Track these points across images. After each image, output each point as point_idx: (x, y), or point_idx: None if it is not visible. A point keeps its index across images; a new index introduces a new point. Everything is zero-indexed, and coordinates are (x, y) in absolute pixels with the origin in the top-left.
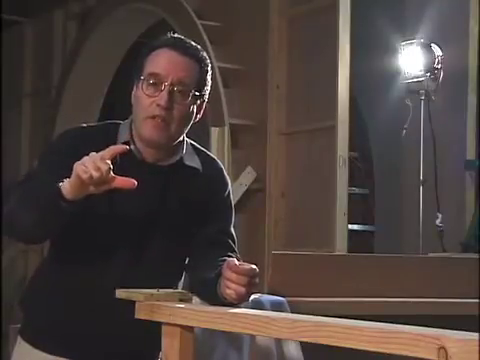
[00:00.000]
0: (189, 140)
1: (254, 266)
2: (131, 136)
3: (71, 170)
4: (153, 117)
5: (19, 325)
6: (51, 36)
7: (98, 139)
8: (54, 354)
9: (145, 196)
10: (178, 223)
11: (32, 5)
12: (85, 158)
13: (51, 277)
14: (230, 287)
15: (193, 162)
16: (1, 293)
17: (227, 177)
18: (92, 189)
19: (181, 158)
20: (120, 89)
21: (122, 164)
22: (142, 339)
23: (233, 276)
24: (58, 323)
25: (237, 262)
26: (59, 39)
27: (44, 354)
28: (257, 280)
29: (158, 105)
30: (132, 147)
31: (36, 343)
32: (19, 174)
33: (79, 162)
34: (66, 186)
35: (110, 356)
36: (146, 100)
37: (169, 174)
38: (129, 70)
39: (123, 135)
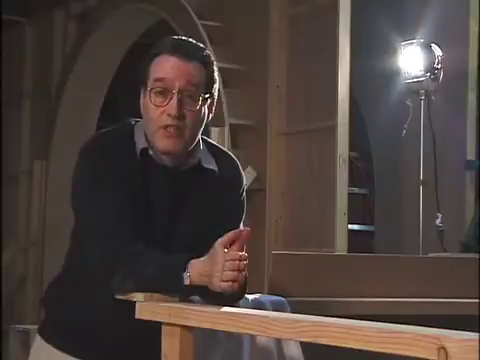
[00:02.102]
0: (203, 137)
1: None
2: (148, 142)
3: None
4: (165, 127)
5: (25, 325)
6: (51, 36)
7: (118, 146)
8: (73, 355)
9: (167, 200)
10: (197, 226)
11: (32, 5)
12: (219, 265)
13: (72, 278)
14: (220, 275)
15: (210, 164)
16: (1, 293)
17: (242, 174)
18: None
19: (199, 161)
20: (120, 89)
21: (144, 169)
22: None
23: (229, 262)
24: (80, 324)
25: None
26: (59, 39)
27: (64, 354)
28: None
29: (169, 115)
30: (151, 152)
31: (55, 343)
32: (19, 174)
33: (217, 274)
34: (193, 279)
35: (129, 357)
36: (155, 110)
37: (188, 177)
38: (130, 70)
39: (140, 142)
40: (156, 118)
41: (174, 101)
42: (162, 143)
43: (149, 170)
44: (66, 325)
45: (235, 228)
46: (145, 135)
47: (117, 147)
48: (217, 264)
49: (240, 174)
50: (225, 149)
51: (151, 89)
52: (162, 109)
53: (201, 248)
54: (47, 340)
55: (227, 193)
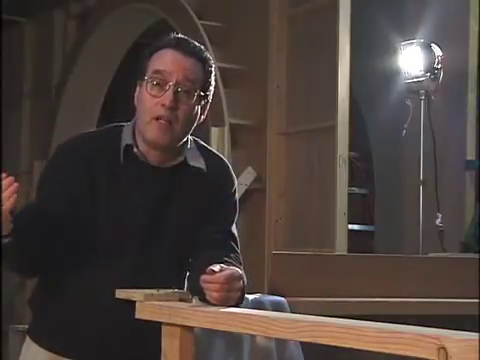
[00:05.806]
0: (194, 138)
1: (230, 272)
2: (134, 139)
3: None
4: (157, 118)
5: (25, 325)
6: (51, 36)
7: (102, 144)
8: (60, 354)
9: (149, 198)
10: (182, 224)
11: (32, 5)
12: None
13: (57, 278)
14: (207, 293)
15: (197, 162)
16: (1, 293)
17: (233, 176)
18: None
19: (185, 158)
20: (120, 89)
21: (126, 167)
22: (150, 341)
23: (207, 284)
24: (64, 324)
25: (216, 267)
26: (59, 39)
27: (52, 354)
28: (235, 285)
29: (163, 105)
30: (135, 150)
31: (43, 343)
32: (19, 174)
33: None
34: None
35: (117, 357)
36: (150, 101)
37: (173, 175)
38: (130, 70)
39: (126, 138)
40: (150, 108)
41: (170, 92)
42: (152, 134)
43: (131, 167)
44: (51, 325)
45: (224, 230)
46: (133, 133)
47: (99, 145)
48: None
49: (230, 175)
50: (217, 152)
51: (149, 80)
52: (157, 100)
53: (186, 247)
54: (34, 340)
55: (215, 193)
